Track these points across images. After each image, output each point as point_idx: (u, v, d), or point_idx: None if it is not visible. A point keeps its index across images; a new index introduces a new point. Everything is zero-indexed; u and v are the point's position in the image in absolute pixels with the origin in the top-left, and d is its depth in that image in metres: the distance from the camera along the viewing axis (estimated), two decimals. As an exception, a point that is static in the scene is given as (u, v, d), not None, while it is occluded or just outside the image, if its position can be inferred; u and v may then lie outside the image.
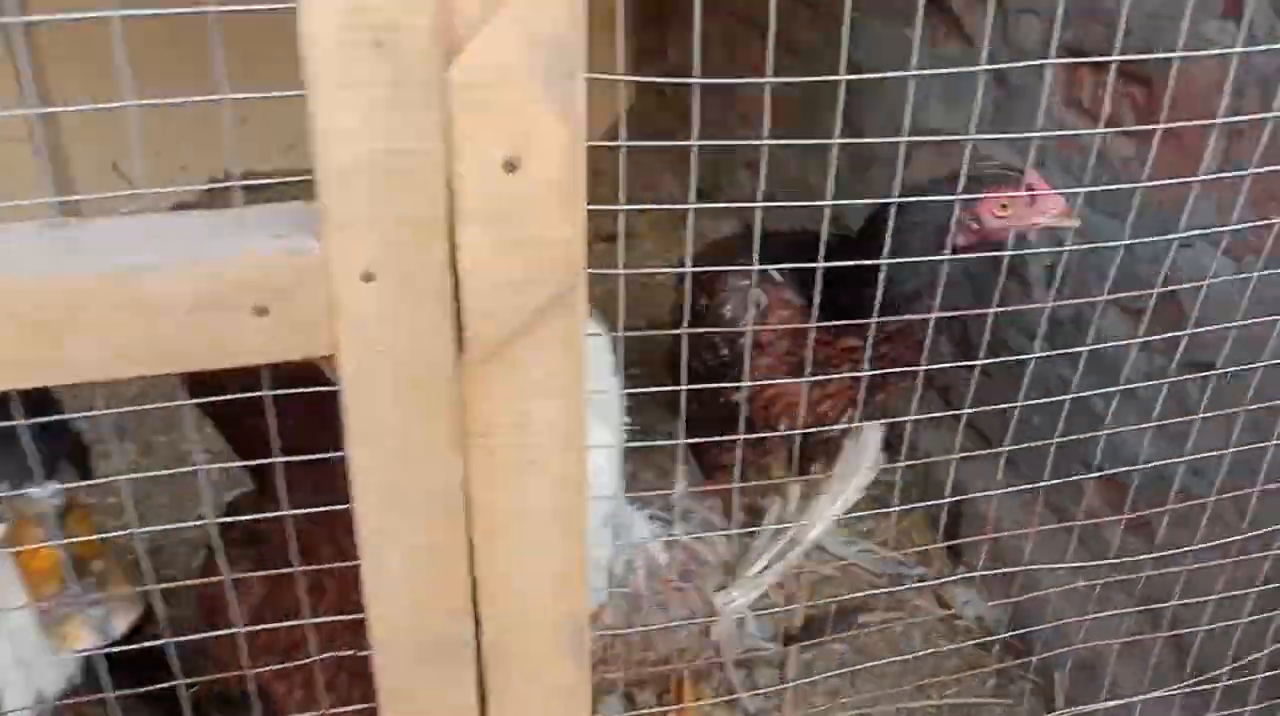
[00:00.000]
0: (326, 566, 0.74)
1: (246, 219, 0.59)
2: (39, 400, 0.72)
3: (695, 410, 1.54)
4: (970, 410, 1.04)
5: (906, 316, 1.21)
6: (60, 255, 0.57)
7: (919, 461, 1.50)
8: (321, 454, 0.64)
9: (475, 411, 0.63)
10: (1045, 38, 1.63)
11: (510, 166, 0.57)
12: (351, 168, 0.56)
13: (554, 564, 0.68)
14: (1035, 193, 1.23)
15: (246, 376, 0.63)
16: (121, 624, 0.73)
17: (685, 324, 1.46)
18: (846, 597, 1.69)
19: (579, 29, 0.56)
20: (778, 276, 1.39)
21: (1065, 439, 1.11)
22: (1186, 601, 1.26)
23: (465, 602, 0.68)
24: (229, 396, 0.64)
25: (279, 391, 0.60)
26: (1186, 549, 1.17)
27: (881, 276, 0.91)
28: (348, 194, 0.56)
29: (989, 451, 1.80)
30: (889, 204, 1.21)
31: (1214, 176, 1.30)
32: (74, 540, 0.73)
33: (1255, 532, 1.22)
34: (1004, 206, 1.23)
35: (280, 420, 0.89)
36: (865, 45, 2.19)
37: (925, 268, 1.19)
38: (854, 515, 1.82)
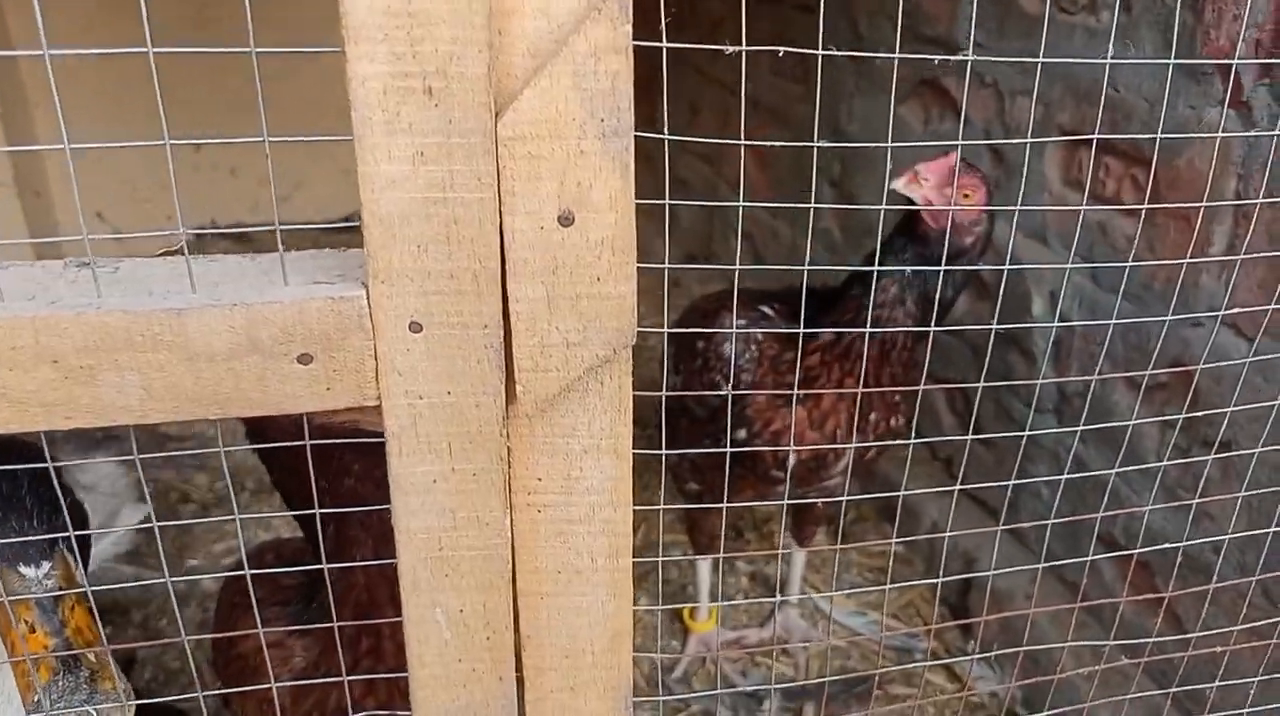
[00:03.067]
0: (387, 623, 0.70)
1: (290, 264, 0.57)
2: (43, 477, 0.69)
3: (700, 465, 1.55)
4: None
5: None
6: (92, 293, 0.54)
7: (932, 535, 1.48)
8: (387, 522, 0.61)
9: (523, 469, 0.61)
10: (1041, 118, 1.67)
11: (564, 220, 0.56)
12: (399, 215, 0.55)
13: (600, 626, 0.65)
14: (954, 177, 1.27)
15: (306, 430, 0.61)
16: None
17: (683, 368, 1.50)
18: (857, 674, 1.65)
19: (630, 83, 0.55)
20: (769, 311, 1.49)
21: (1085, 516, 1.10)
22: (1218, 684, 1.23)
23: (510, 664, 0.65)
24: (288, 444, 0.61)
25: (347, 441, 0.58)
26: (1217, 631, 1.15)
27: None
28: (395, 242, 0.55)
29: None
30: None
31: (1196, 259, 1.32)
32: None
33: None
34: (922, 178, 1.26)
35: (343, 479, 0.86)
36: (859, 119, 2.23)
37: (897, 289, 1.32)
38: (861, 589, 1.79)
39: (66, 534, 0.66)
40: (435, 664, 0.66)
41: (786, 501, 1.30)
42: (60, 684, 0.66)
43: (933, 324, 1.31)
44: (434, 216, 0.54)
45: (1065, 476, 0.92)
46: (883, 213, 0.90)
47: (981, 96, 1.80)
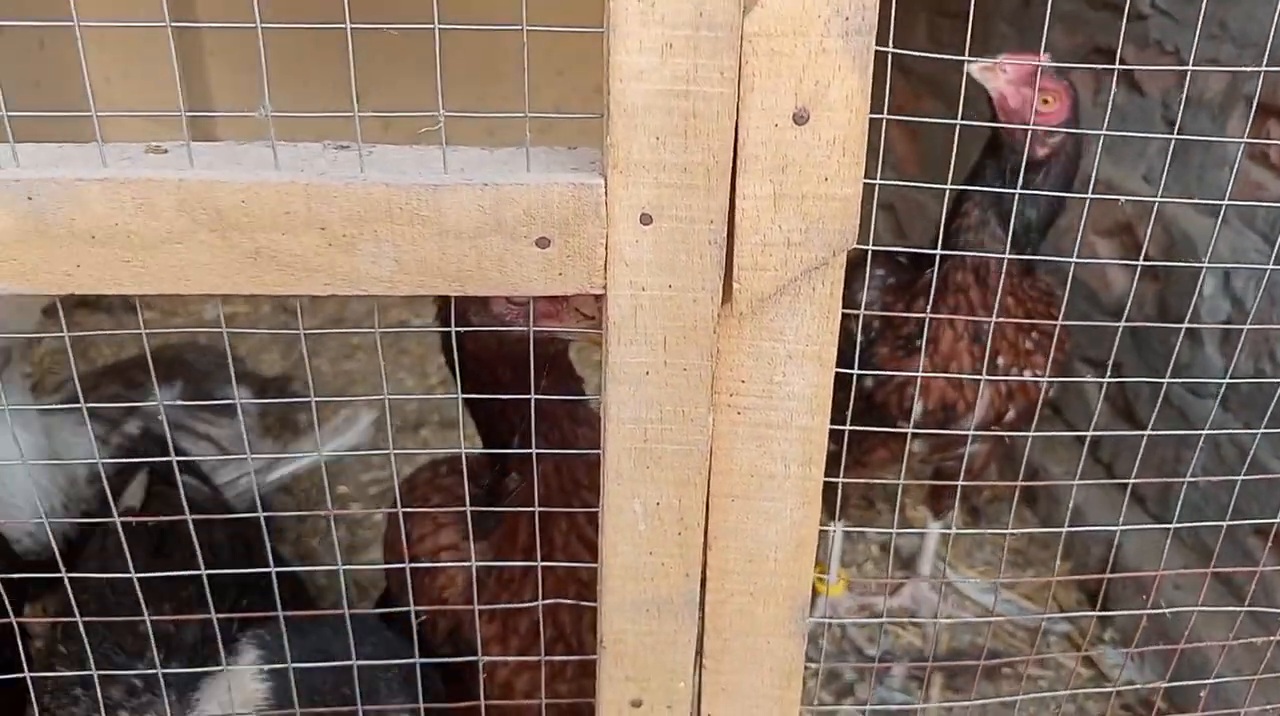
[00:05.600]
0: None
1: (534, 155, 0.60)
2: None
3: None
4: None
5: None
6: (355, 169, 0.59)
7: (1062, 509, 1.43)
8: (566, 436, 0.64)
9: (727, 370, 0.62)
10: (1228, 87, 1.57)
11: (799, 118, 0.57)
12: (642, 106, 0.57)
13: (787, 534, 0.67)
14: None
15: (515, 357, 0.64)
16: None
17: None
18: (992, 653, 1.62)
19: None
20: (904, 260, 1.53)
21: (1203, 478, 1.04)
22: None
23: (697, 562, 0.67)
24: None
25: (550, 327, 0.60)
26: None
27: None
28: (635, 133, 0.57)
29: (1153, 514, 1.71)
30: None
31: None
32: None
33: None
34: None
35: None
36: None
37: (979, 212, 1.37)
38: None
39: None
40: (628, 554, 0.68)
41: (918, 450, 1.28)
42: None
43: (1009, 248, 1.33)
44: (675, 109, 0.56)
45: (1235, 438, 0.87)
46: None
47: (1160, 65, 1.72)
